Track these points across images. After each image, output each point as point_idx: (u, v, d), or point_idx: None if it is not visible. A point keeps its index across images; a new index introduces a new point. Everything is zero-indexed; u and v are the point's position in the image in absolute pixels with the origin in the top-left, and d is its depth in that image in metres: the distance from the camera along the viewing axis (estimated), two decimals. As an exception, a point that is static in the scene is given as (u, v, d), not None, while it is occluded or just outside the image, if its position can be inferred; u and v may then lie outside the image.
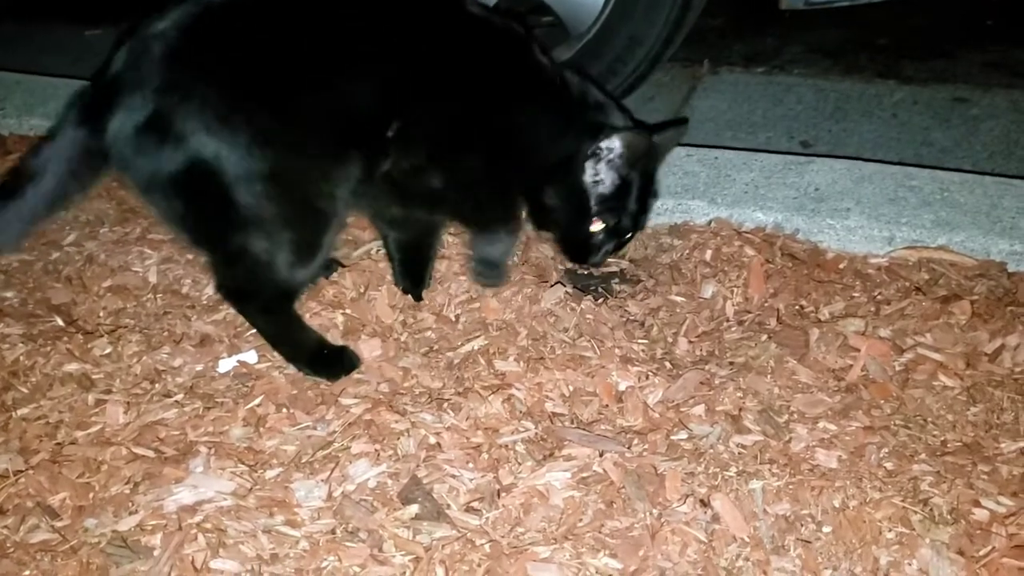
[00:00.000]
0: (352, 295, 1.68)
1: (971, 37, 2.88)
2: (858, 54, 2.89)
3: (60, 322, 1.66)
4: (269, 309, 1.51)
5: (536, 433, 1.42)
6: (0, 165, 2.18)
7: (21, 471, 1.36)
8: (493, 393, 1.47)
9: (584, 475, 1.35)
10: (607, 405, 1.46)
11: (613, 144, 1.49)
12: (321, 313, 1.65)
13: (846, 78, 2.80)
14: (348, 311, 1.65)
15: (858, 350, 1.53)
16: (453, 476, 1.35)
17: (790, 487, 1.30)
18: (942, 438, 1.39)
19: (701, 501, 1.30)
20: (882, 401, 1.45)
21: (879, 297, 1.64)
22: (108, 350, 1.59)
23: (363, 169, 1.42)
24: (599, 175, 1.52)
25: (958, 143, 2.41)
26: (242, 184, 1.32)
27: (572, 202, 1.54)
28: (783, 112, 2.66)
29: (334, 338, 1.60)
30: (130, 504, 1.31)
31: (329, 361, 1.55)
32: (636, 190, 1.56)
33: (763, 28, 3.08)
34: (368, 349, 1.58)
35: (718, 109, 2.71)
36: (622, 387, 1.49)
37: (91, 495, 1.33)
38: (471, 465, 1.37)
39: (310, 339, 1.55)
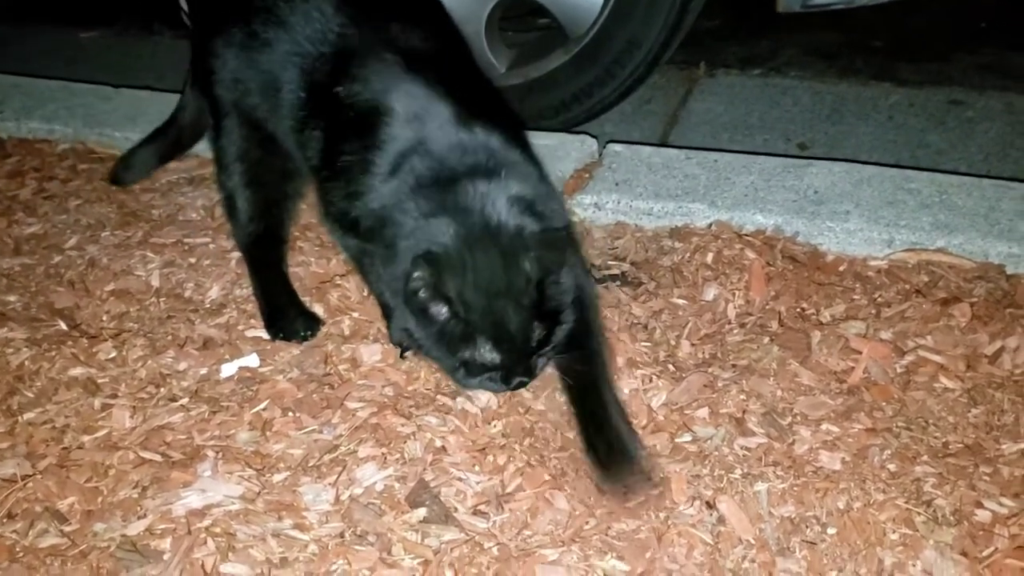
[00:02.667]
0: (357, 299, 1.69)
1: (965, 40, 2.90)
2: (854, 57, 2.91)
3: (64, 326, 1.67)
4: None
5: (543, 436, 1.43)
6: (1, 168, 2.18)
7: (29, 476, 1.36)
8: (498, 396, 1.47)
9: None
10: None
11: (418, 273, 1.31)
12: (327, 318, 1.66)
13: (842, 80, 2.82)
14: (356, 315, 1.66)
15: (859, 352, 1.54)
16: (460, 479, 1.36)
17: (795, 489, 1.32)
18: (944, 440, 1.40)
19: (707, 503, 1.31)
20: (884, 403, 1.46)
21: (879, 299, 1.66)
22: (113, 354, 1.59)
23: None
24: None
25: (954, 145, 2.44)
26: None
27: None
28: (780, 114, 2.68)
29: (339, 342, 1.60)
30: (139, 508, 1.31)
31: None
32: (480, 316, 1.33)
33: (759, 31, 3.10)
34: (371, 353, 1.58)
35: (715, 111, 2.73)
36: (626, 390, 1.50)
37: (99, 499, 1.33)
38: (477, 468, 1.38)
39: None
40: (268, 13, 1.56)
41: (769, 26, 3.08)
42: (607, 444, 1.35)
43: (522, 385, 1.41)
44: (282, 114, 1.57)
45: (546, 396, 1.49)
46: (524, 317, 1.34)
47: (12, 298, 1.75)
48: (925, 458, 1.36)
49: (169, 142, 2.04)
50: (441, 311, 1.35)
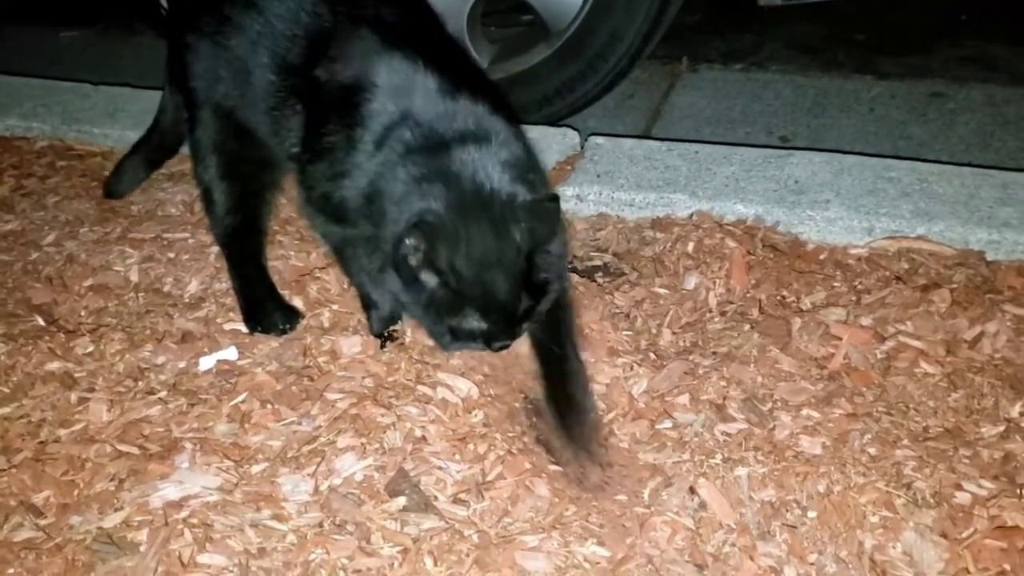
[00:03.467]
0: (336, 291, 1.68)
1: (946, 32, 2.91)
2: (835, 50, 2.91)
3: (41, 321, 1.65)
4: None
5: (522, 426, 1.42)
6: (-22, 164, 2.17)
7: (3, 470, 1.35)
8: (479, 386, 1.47)
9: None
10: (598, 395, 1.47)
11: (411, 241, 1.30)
12: (307, 311, 1.66)
13: (824, 74, 2.83)
14: (335, 307, 1.65)
15: (840, 339, 1.54)
16: (440, 468, 1.35)
17: (775, 473, 1.31)
18: (924, 424, 1.40)
19: (688, 489, 1.30)
20: (864, 388, 1.46)
21: (860, 287, 1.66)
22: (90, 348, 1.58)
23: None
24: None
25: (935, 136, 2.44)
26: None
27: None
28: (761, 108, 2.68)
29: (318, 334, 1.60)
30: (115, 501, 1.30)
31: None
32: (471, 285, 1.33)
33: (741, 25, 3.11)
34: (350, 345, 1.58)
35: (697, 106, 2.73)
36: (607, 378, 1.50)
37: (75, 492, 1.32)
38: (458, 457, 1.37)
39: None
40: None
41: (751, 20, 3.08)
42: (567, 399, 1.40)
43: (504, 347, 1.41)
44: (255, 100, 1.55)
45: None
46: (513, 288, 1.33)
47: (-11, 294, 1.74)
48: (905, 442, 1.36)
49: (155, 147, 2.01)
50: (431, 279, 1.33)
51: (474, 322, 1.35)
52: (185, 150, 2.05)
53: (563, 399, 1.41)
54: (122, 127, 2.24)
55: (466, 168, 1.34)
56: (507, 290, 1.32)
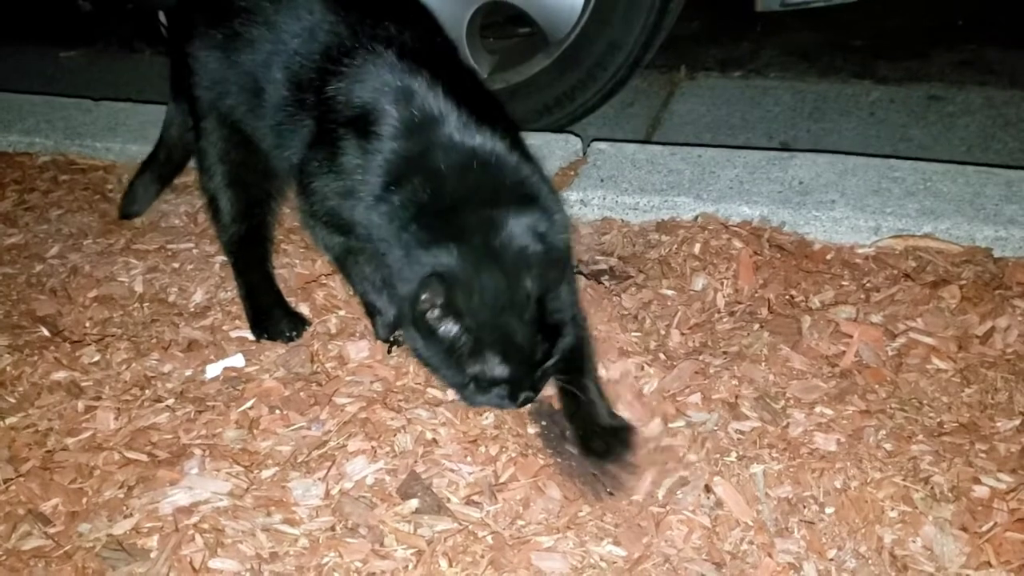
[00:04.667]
0: (343, 296, 1.67)
1: (943, 37, 2.92)
2: (833, 56, 2.92)
3: (46, 332, 1.65)
4: None
5: (535, 429, 1.41)
6: (-20, 180, 2.16)
7: (11, 479, 1.34)
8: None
9: (584, 466, 1.34)
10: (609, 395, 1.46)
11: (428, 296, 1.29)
12: (313, 317, 1.65)
13: (822, 80, 2.83)
14: (342, 313, 1.64)
15: (850, 336, 1.53)
16: (452, 470, 1.34)
17: (791, 470, 1.30)
18: (938, 419, 1.39)
19: (704, 487, 1.29)
20: (877, 385, 1.45)
21: (868, 285, 1.65)
22: (96, 358, 1.57)
23: None
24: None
25: (936, 139, 2.44)
26: None
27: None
28: (761, 114, 2.68)
29: (325, 340, 1.59)
30: (124, 508, 1.29)
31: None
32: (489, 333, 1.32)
33: (738, 33, 3.11)
34: (357, 350, 1.57)
35: (697, 113, 2.74)
36: (617, 377, 1.49)
37: (84, 500, 1.31)
38: (469, 459, 1.36)
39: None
40: (251, 13, 1.54)
41: (748, 28, 3.09)
42: (589, 425, 1.39)
43: (529, 401, 1.39)
44: (262, 113, 1.55)
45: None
46: (529, 331, 1.32)
47: (-7, 306, 1.73)
48: (921, 437, 1.35)
49: (163, 163, 1.99)
50: (451, 329, 1.32)
51: (496, 367, 1.33)
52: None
53: (584, 425, 1.39)
54: (123, 140, 2.24)
55: (481, 223, 1.33)
56: (523, 332, 1.31)
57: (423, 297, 1.28)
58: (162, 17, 2.90)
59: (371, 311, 1.59)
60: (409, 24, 1.52)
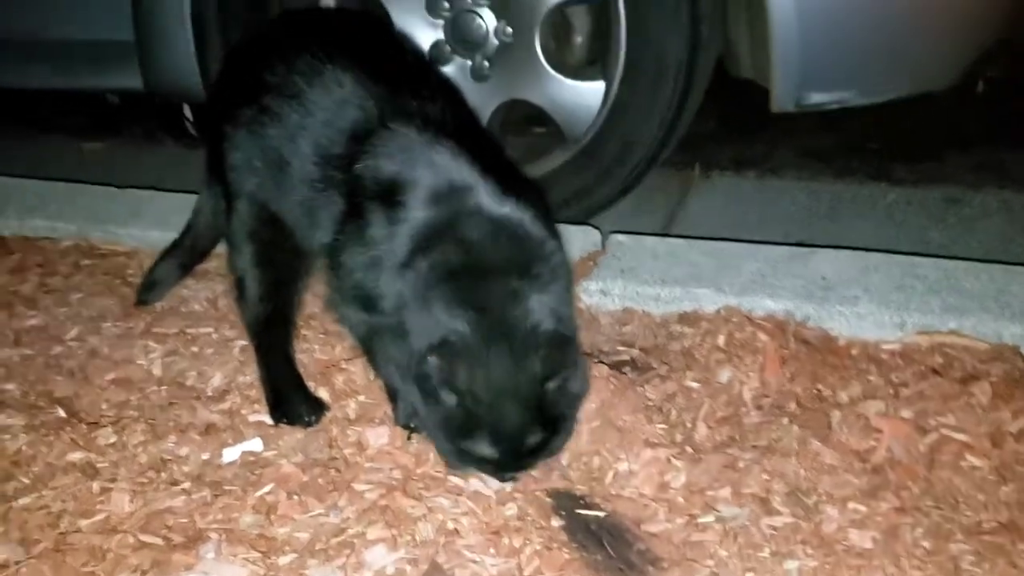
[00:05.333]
0: (363, 382, 1.66)
1: (958, 141, 2.96)
2: (848, 158, 2.96)
3: (62, 413, 1.62)
4: None
5: (559, 522, 1.38)
6: (3, 265, 2.17)
7: (21, 562, 1.30)
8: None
9: (611, 559, 1.30)
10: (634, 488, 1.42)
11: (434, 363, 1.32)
12: (332, 402, 1.63)
13: (837, 181, 2.86)
14: (362, 398, 1.62)
15: (881, 431, 1.50)
16: (474, 562, 1.30)
17: (827, 567, 1.26)
18: (976, 518, 1.35)
19: (736, 583, 1.25)
20: (910, 482, 1.42)
21: (896, 380, 1.63)
22: (112, 439, 1.54)
23: None
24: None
25: (955, 240, 2.44)
26: None
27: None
28: (778, 213, 2.70)
29: (344, 425, 1.56)
30: (137, 593, 1.25)
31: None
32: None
33: (753, 133, 3.16)
34: (377, 436, 1.54)
35: (712, 211, 2.75)
36: (641, 472, 1.46)
37: (96, 585, 1.27)
38: (492, 551, 1.32)
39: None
40: (282, 88, 1.57)
41: (762, 129, 3.13)
42: None
43: (512, 480, 1.40)
44: (289, 190, 1.56)
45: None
46: (525, 420, 1.33)
47: (10, 386, 1.71)
48: (959, 536, 1.31)
49: (187, 250, 2.00)
50: (449, 399, 1.33)
51: (484, 448, 1.35)
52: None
53: None
54: (145, 227, 2.25)
55: (496, 291, 1.35)
56: (519, 421, 1.33)
57: (429, 360, 1.31)
58: (187, 110, 2.97)
59: (392, 395, 1.57)
60: (435, 97, 1.55)
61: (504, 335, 1.32)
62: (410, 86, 1.56)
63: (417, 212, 1.40)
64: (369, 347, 1.57)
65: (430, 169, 1.41)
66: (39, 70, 2.62)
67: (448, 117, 1.53)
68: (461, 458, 1.38)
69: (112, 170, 3.20)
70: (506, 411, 1.32)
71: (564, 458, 1.48)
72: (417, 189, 1.40)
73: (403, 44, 1.77)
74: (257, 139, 1.60)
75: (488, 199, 1.40)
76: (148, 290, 2.00)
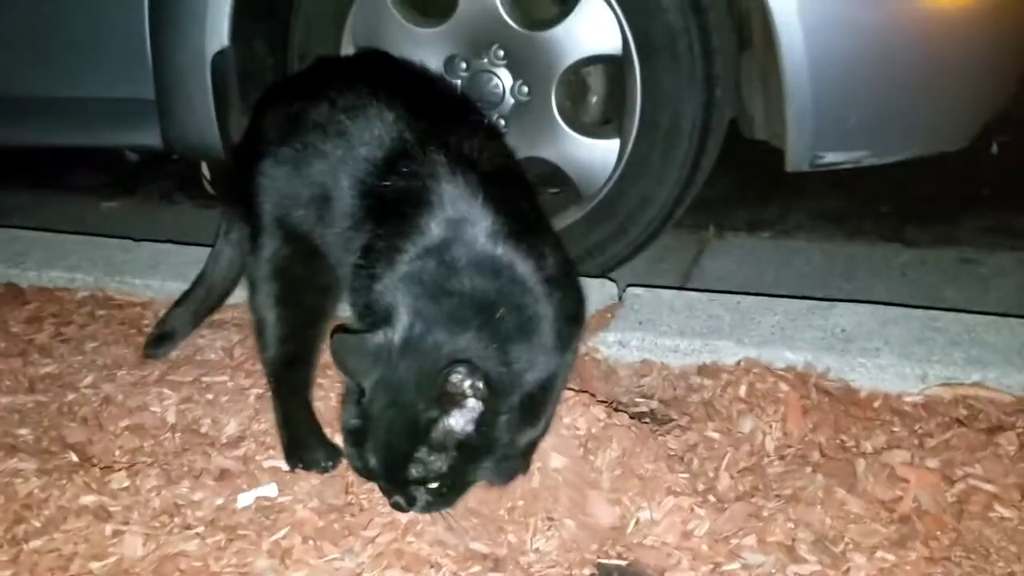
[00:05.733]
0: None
1: (970, 204, 2.96)
2: (862, 219, 2.96)
3: (75, 458, 1.61)
4: None
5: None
6: (19, 314, 2.17)
7: (31, 605, 1.27)
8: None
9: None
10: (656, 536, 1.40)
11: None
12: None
13: (851, 241, 2.86)
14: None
15: (907, 481, 1.48)
16: (494, 608, 1.27)
17: (857, 614, 1.23)
18: (1009, 569, 1.32)
19: (765, 631, 1.22)
20: (939, 532, 1.39)
21: (920, 431, 1.61)
22: (126, 484, 1.52)
23: None
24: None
25: (972, 300, 2.42)
26: None
27: None
28: (793, 272, 2.69)
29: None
30: (149, 636, 1.22)
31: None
32: None
33: (765, 197, 3.17)
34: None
35: (727, 270, 2.75)
36: (663, 521, 1.43)
37: (106, 628, 1.24)
38: (513, 597, 1.29)
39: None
40: (326, 126, 1.59)
41: (776, 191, 3.15)
42: None
43: (400, 508, 1.36)
44: (331, 221, 1.57)
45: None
46: (406, 441, 1.31)
47: (24, 431, 1.70)
48: (992, 586, 1.28)
49: (200, 299, 2.00)
50: (354, 394, 1.35)
51: (370, 459, 1.33)
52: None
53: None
54: (163, 278, 2.26)
55: (444, 315, 1.35)
56: (398, 440, 1.31)
57: (349, 341, 1.34)
58: (204, 168, 3.00)
59: None
60: (472, 135, 1.57)
61: (417, 360, 1.31)
62: (448, 122, 1.58)
63: (420, 232, 1.40)
64: None
65: (445, 196, 1.41)
66: (61, 127, 2.65)
67: (480, 154, 1.53)
68: (356, 470, 1.39)
69: (129, 228, 3.22)
70: (392, 434, 1.31)
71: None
72: (430, 211, 1.41)
73: (440, 84, 1.81)
74: (300, 174, 1.61)
75: (485, 237, 1.39)
76: (157, 344, 1.98)
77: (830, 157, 2.26)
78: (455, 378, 1.27)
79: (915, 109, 2.20)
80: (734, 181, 3.23)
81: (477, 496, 1.45)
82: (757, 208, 3.13)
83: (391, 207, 1.46)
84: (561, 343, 1.44)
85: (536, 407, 1.44)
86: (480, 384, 1.28)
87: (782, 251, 2.85)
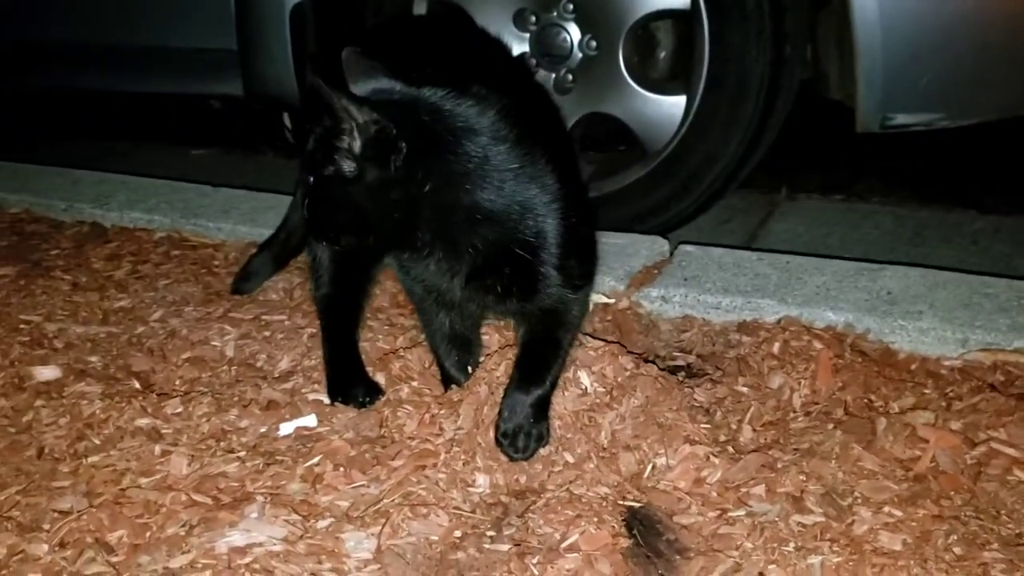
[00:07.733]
0: (418, 369, 1.71)
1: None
2: (935, 184, 2.89)
3: (137, 385, 1.73)
4: None
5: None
6: (101, 252, 2.32)
7: (83, 510, 1.39)
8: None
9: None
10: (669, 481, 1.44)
11: None
12: (387, 386, 1.69)
13: (924, 207, 2.81)
14: (415, 383, 1.68)
15: (927, 441, 1.48)
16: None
17: (850, 564, 1.25)
18: (1017, 530, 1.32)
19: (759, 574, 1.25)
20: (952, 492, 1.39)
21: (951, 394, 1.60)
22: (179, 409, 1.64)
23: None
24: None
25: (1043, 270, 2.37)
26: None
27: None
28: (860, 236, 2.67)
29: (395, 406, 1.62)
30: (184, 544, 1.32)
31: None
32: None
33: (838, 159, 3.12)
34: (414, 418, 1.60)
35: (795, 232, 2.74)
36: (678, 467, 1.47)
37: (148, 534, 1.35)
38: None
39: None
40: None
41: (847, 154, 3.10)
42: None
43: None
44: None
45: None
46: None
47: (94, 359, 1.83)
48: (995, 546, 1.28)
49: (281, 244, 2.09)
50: None
51: None
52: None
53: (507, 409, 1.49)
54: (235, 222, 2.38)
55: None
56: None
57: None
58: (286, 119, 3.11)
59: (439, 360, 1.67)
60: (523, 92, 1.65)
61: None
62: (503, 75, 1.64)
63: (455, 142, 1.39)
64: (419, 312, 1.66)
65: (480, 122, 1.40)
66: (151, 75, 2.79)
67: (524, 107, 1.52)
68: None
69: (215, 176, 3.38)
70: None
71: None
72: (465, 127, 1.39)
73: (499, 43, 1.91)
74: None
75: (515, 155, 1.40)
76: (244, 280, 2.11)
77: (901, 118, 2.22)
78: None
79: (991, 70, 2.13)
80: (810, 142, 3.19)
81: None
82: (830, 171, 3.09)
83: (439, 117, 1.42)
84: (560, 261, 1.46)
85: (540, 361, 1.50)
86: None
87: (852, 215, 2.82)
